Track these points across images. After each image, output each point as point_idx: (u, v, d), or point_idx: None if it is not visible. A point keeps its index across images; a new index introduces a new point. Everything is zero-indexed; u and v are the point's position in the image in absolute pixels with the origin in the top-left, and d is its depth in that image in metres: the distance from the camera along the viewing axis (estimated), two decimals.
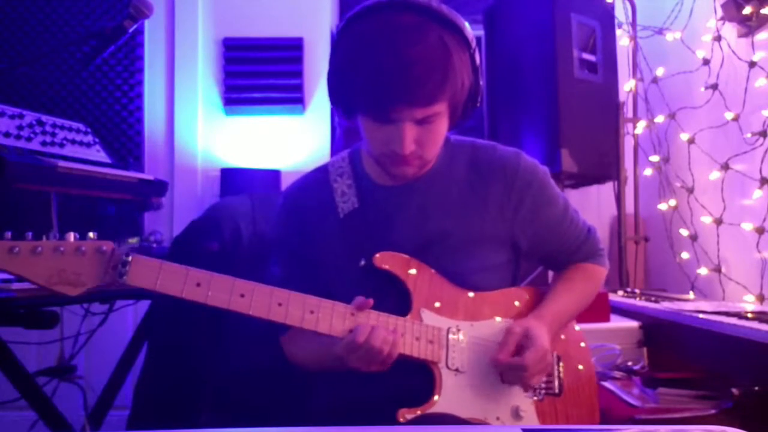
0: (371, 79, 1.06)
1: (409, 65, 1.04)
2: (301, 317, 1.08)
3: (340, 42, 1.13)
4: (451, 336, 1.16)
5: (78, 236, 1.00)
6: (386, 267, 1.17)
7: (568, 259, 1.33)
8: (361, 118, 1.14)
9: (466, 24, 1.13)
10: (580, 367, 1.30)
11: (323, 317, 1.09)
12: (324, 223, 1.24)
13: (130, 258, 1.01)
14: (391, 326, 1.11)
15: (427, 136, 1.12)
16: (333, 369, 1.18)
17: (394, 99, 1.06)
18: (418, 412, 1.10)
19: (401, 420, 1.08)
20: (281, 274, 1.25)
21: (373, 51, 1.06)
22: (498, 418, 1.15)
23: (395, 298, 1.17)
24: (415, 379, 1.14)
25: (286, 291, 1.08)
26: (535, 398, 1.20)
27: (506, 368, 1.13)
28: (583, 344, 1.34)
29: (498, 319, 1.21)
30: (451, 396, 1.13)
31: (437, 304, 1.18)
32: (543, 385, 1.22)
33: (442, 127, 1.15)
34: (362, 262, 1.17)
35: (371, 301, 1.10)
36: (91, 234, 1.01)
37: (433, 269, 1.20)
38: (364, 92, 1.09)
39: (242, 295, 1.05)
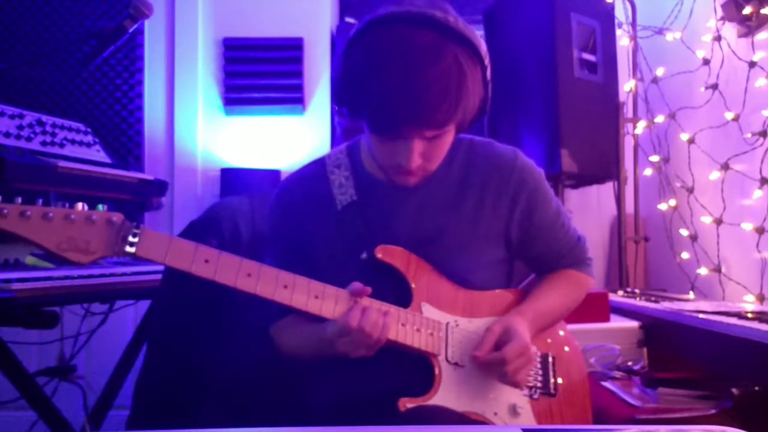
0: (383, 100, 1.05)
1: (423, 90, 1.02)
2: (306, 301, 1.09)
3: (352, 48, 1.10)
4: (450, 330, 1.18)
5: (87, 206, 1.00)
6: (388, 260, 1.18)
7: (556, 263, 1.33)
8: (368, 128, 1.13)
9: (481, 40, 1.11)
10: (574, 368, 1.31)
11: (327, 302, 1.10)
12: (321, 214, 1.24)
13: (139, 230, 1.02)
14: (384, 309, 1.11)
15: (434, 151, 1.13)
16: (322, 357, 1.18)
17: (405, 121, 1.06)
18: (420, 403, 1.11)
19: (402, 408, 1.09)
20: (276, 266, 1.25)
21: (387, 70, 1.04)
22: (496, 414, 1.16)
23: (394, 292, 1.17)
24: (414, 375, 1.15)
25: (292, 274, 1.10)
26: (533, 397, 1.21)
27: (486, 364, 1.13)
28: (576, 346, 1.35)
29: (495, 318, 1.21)
30: (450, 389, 1.14)
31: (437, 299, 1.19)
32: (539, 385, 1.23)
33: (448, 141, 1.15)
34: (364, 255, 1.18)
35: (369, 289, 1.10)
36: (100, 206, 1.02)
37: (431, 266, 1.21)
38: (374, 110, 1.08)
39: (249, 275, 1.07)
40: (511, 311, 1.23)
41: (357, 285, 1.11)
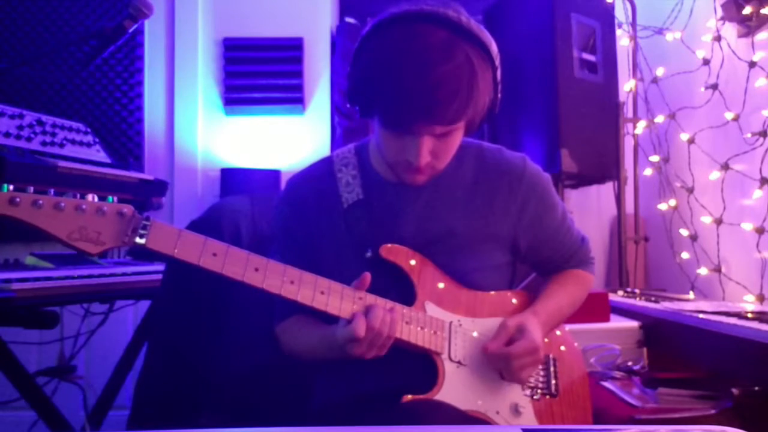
0: (395, 95, 1.06)
1: (435, 86, 1.04)
2: (312, 296, 1.09)
3: (366, 46, 1.12)
4: (453, 329, 1.18)
5: (97, 198, 1.01)
6: (392, 259, 1.18)
7: (561, 265, 1.35)
8: (378, 125, 1.14)
9: (493, 41, 1.12)
10: (575, 368, 1.32)
11: (333, 298, 1.10)
12: (327, 212, 1.25)
13: (149, 222, 1.02)
14: (388, 306, 1.11)
15: (443, 149, 1.14)
16: (330, 358, 1.18)
17: (416, 117, 1.07)
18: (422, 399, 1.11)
19: (404, 400, 1.09)
20: (281, 261, 1.25)
21: (399, 66, 1.05)
22: (498, 413, 1.17)
23: (398, 291, 1.18)
24: (416, 375, 1.15)
25: (299, 270, 1.10)
26: (534, 397, 1.21)
27: (496, 358, 1.15)
28: (575, 347, 1.36)
29: (498, 318, 1.22)
30: (452, 387, 1.14)
31: (440, 298, 1.20)
32: (540, 385, 1.23)
33: (457, 140, 1.16)
34: (368, 254, 1.18)
35: (368, 275, 1.10)
36: (111, 198, 1.02)
37: (436, 266, 1.21)
38: (386, 105, 1.09)
39: (256, 269, 1.07)
40: (526, 310, 1.23)
41: (357, 281, 1.11)
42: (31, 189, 0.97)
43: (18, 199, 0.95)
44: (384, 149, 1.17)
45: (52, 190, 0.99)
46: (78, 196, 1.00)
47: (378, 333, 1.06)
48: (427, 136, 1.09)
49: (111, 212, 1.01)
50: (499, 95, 1.17)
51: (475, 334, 1.19)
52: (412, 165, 1.13)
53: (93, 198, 1.01)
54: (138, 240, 1.01)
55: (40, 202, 0.96)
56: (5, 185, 0.96)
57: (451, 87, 1.04)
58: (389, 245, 1.19)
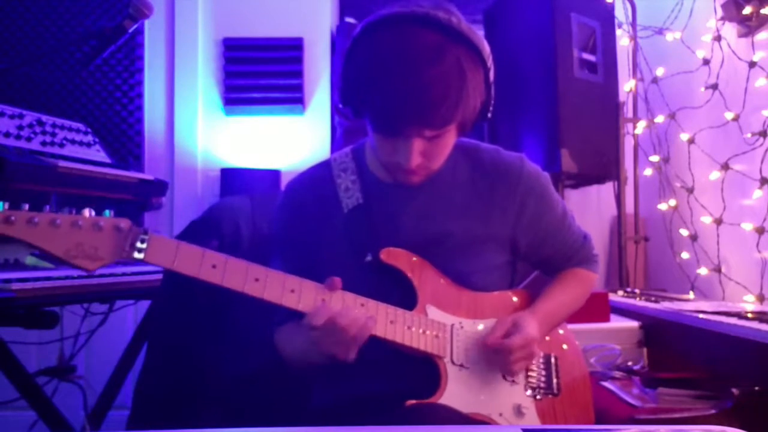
0: (385, 98, 1.06)
1: (424, 89, 1.03)
2: (313, 305, 1.09)
3: (356, 47, 1.11)
4: (455, 332, 1.18)
5: (94, 212, 1.00)
6: (393, 263, 1.18)
7: (564, 264, 1.35)
8: (370, 127, 1.14)
9: (485, 42, 1.12)
10: (576, 367, 1.32)
11: (334, 305, 1.09)
12: (327, 217, 1.24)
13: (147, 236, 1.02)
14: (360, 301, 1.10)
15: (435, 150, 1.13)
16: (313, 362, 1.17)
17: (406, 120, 1.07)
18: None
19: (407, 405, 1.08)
20: (281, 268, 1.25)
21: (389, 69, 1.05)
22: (501, 414, 1.16)
23: (400, 294, 1.17)
24: (418, 379, 1.15)
25: (299, 278, 1.09)
26: (536, 397, 1.21)
27: (492, 351, 1.15)
28: (575, 344, 1.36)
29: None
30: (455, 391, 1.14)
31: (441, 301, 1.19)
32: (542, 385, 1.23)
33: (450, 141, 1.16)
34: (369, 258, 1.18)
35: (338, 280, 1.09)
36: (107, 212, 1.02)
37: (436, 268, 1.21)
38: (376, 108, 1.09)
39: (257, 280, 1.06)
40: (525, 310, 1.23)
41: (330, 279, 1.09)
42: (27, 206, 0.96)
43: (13, 218, 0.94)
44: (378, 150, 1.17)
45: (47, 207, 0.98)
46: (74, 211, 0.99)
47: (342, 328, 1.03)
48: (417, 138, 1.09)
49: (108, 227, 1.00)
50: (492, 95, 1.16)
51: (476, 336, 1.19)
52: (403, 166, 1.13)
53: (90, 213, 1.00)
54: (136, 255, 1.00)
55: (36, 219, 0.95)
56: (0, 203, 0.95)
57: (440, 90, 1.04)
58: (389, 249, 1.18)
